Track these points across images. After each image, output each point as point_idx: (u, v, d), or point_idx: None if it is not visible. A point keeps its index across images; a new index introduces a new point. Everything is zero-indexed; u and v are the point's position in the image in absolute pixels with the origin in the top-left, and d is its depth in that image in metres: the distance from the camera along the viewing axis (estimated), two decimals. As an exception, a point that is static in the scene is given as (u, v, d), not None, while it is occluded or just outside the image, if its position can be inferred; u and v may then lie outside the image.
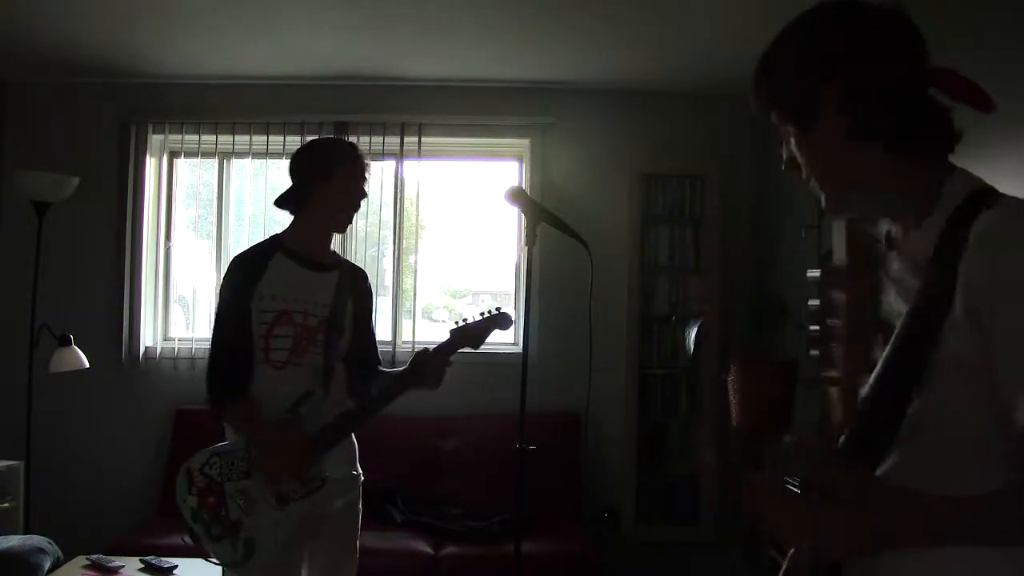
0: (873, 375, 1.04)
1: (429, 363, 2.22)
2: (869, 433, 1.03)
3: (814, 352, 0.77)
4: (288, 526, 2.10)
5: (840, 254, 0.71)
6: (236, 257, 2.29)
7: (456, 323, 2.30)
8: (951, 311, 0.94)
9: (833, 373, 0.79)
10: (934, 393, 0.97)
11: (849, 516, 0.93)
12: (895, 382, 1.00)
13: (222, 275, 2.31)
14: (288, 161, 2.30)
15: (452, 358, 2.25)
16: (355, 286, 2.33)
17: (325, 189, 2.21)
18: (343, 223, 2.30)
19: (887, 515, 0.92)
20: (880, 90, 0.99)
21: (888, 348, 1.03)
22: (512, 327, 2.45)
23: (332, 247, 2.38)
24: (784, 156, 1.11)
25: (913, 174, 1.02)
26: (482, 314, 2.30)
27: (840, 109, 1.01)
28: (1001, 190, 1.00)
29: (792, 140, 1.08)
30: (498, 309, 2.30)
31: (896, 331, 1.02)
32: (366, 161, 2.28)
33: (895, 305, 1.07)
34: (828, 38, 1.02)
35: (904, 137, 1.01)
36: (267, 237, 2.34)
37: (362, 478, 2.34)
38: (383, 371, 2.38)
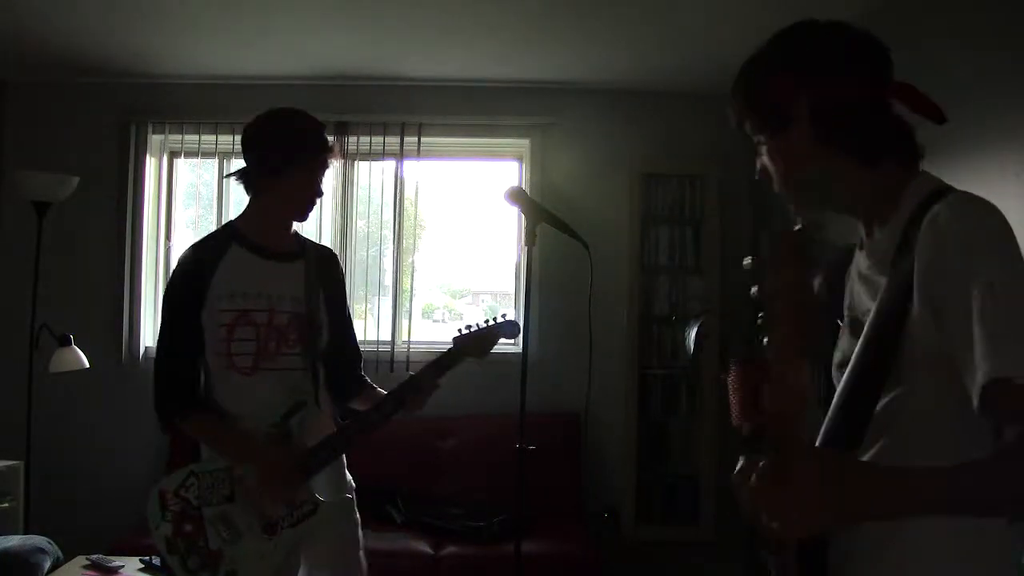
0: (846, 371, 1.08)
1: (423, 378, 2.04)
2: (842, 428, 1.06)
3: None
4: (276, 557, 1.87)
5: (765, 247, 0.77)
6: (186, 250, 2.00)
7: (460, 331, 2.12)
8: (912, 304, 0.98)
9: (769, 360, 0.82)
10: (902, 387, 1.01)
11: (832, 487, 0.88)
12: (866, 378, 1.04)
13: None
14: (250, 132, 1.96)
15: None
16: (326, 273, 2.08)
17: (293, 175, 1.94)
18: (306, 212, 2.03)
19: (879, 486, 0.90)
20: (844, 100, 1.07)
21: (859, 345, 1.06)
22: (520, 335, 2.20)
23: (327, 242, 2.22)
24: (758, 166, 1.19)
25: (877, 179, 1.09)
26: (487, 321, 2.13)
27: (808, 116, 1.09)
28: (1002, 187, 1.02)
29: (764, 149, 1.16)
30: (503, 316, 2.15)
31: (865, 328, 1.06)
32: (333, 147, 2.02)
33: (865, 303, 1.11)
34: (799, 52, 1.11)
35: (867, 145, 1.08)
36: (220, 226, 2.09)
37: (354, 487, 2.12)
38: (367, 383, 2.17)
